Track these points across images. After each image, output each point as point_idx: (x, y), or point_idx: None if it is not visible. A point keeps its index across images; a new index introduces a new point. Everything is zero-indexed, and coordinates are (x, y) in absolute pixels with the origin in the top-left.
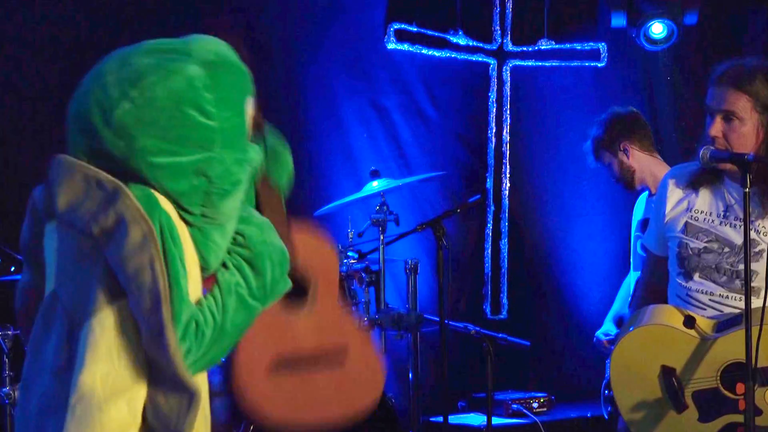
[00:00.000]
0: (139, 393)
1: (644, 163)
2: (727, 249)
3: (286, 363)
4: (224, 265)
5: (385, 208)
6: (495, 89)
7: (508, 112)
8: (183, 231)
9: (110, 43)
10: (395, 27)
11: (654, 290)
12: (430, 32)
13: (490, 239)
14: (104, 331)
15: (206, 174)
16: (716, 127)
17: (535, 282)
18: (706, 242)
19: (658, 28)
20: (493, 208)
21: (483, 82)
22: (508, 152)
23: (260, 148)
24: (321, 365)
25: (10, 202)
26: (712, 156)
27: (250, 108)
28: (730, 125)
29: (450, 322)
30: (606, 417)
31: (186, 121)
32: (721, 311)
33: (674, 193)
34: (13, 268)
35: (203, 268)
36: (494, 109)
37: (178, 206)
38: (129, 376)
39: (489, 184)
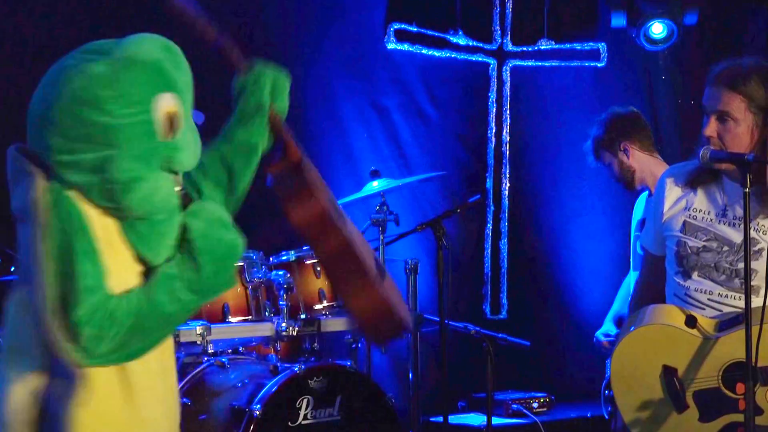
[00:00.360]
0: (41, 381)
1: (644, 163)
2: (726, 248)
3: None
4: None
5: (385, 208)
6: (495, 89)
7: (508, 112)
8: (105, 224)
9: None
10: (395, 27)
11: (651, 290)
12: (430, 32)
13: (489, 239)
14: (15, 315)
15: (103, 170)
16: (711, 127)
17: (534, 282)
18: (705, 241)
19: (658, 28)
20: (492, 208)
21: (483, 82)
22: (508, 152)
23: (181, 144)
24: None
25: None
26: (712, 156)
27: (167, 104)
28: (725, 125)
29: (450, 322)
30: (606, 417)
31: (85, 119)
32: (720, 310)
33: (672, 192)
34: (13, 268)
35: (145, 260)
36: (494, 109)
37: (90, 201)
38: (31, 358)
39: (489, 184)
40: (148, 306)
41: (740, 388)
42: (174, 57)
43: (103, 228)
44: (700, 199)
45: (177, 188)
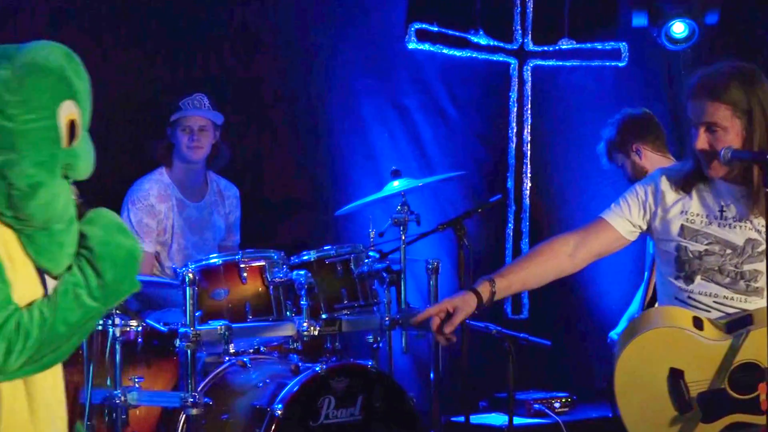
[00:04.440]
0: None
1: (657, 164)
2: (729, 251)
3: None
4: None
5: (406, 207)
6: (516, 89)
7: (529, 111)
8: (4, 238)
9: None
10: (416, 27)
11: (577, 245)
12: (450, 32)
13: (511, 239)
14: None
15: (4, 175)
16: (701, 140)
17: (555, 282)
18: (706, 245)
19: (679, 28)
20: (513, 207)
21: (504, 82)
22: (528, 152)
23: (79, 152)
24: None
25: None
26: (733, 156)
27: (68, 112)
28: (715, 135)
29: (471, 322)
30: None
31: None
32: (726, 312)
33: (668, 195)
34: None
35: (47, 271)
36: (515, 109)
37: None
38: None
39: (510, 183)
40: (53, 316)
41: (762, 389)
42: (75, 65)
43: (2, 242)
44: (695, 203)
45: (73, 197)
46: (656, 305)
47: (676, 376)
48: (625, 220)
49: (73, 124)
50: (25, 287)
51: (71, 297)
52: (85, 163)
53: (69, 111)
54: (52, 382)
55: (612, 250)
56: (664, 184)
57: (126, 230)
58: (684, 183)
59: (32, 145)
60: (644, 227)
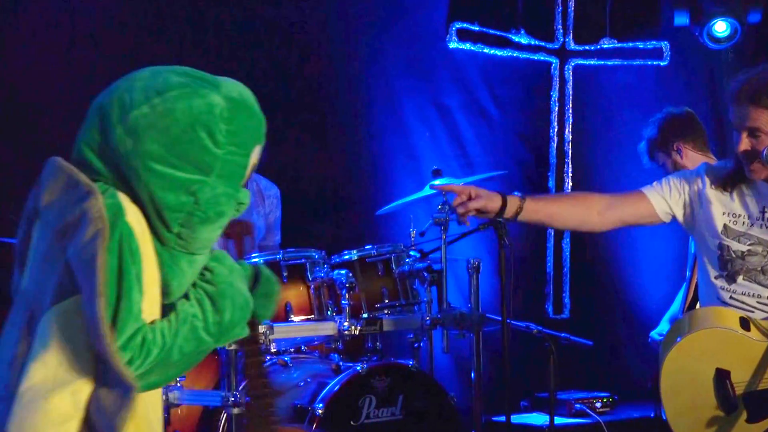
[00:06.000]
0: (84, 387)
1: (698, 163)
2: None
3: None
4: (187, 296)
5: (447, 207)
6: (557, 88)
7: (570, 111)
8: (148, 250)
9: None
10: (457, 26)
11: (612, 207)
12: (491, 31)
13: (552, 238)
14: (57, 325)
15: (195, 195)
16: (744, 144)
17: (597, 281)
18: (749, 245)
19: (721, 27)
20: None
21: (545, 81)
22: (570, 151)
23: (246, 195)
24: None
25: None
26: None
27: (255, 157)
28: (758, 140)
29: (512, 322)
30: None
31: (195, 140)
32: None
33: (711, 192)
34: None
35: (165, 294)
36: (556, 108)
37: (159, 219)
38: (76, 369)
39: (551, 183)
40: (172, 341)
41: None
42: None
43: (149, 255)
44: (737, 204)
45: None
46: (698, 305)
47: (722, 377)
48: (662, 200)
49: (252, 169)
50: (150, 305)
51: (188, 327)
52: (246, 206)
53: (256, 155)
54: (154, 399)
55: (642, 223)
56: (708, 181)
57: (245, 278)
58: (726, 182)
59: (227, 176)
60: (679, 215)
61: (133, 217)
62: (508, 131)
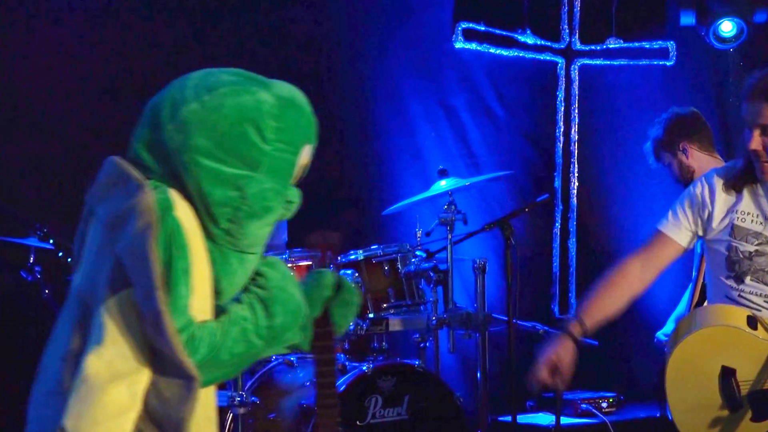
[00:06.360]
0: (141, 378)
1: (704, 163)
2: None
3: None
4: (239, 300)
5: (453, 207)
6: (563, 88)
7: (576, 111)
8: (199, 247)
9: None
10: (463, 26)
11: (645, 267)
12: (497, 31)
13: (558, 238)
14: (111, 318)
15: (242, 190)
16: (755, 141)
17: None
18: (757, 245)
19: (727, 27)
20: (561, 207)
21: (551, 81)
22: (576, 151)
23: (297, 194)
24: None
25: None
26: None
27: (305, 156)
28: None
29: (518, 322)
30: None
31: (243, 136)
32: None
33: (720, 195)
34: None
35: (217, 293)
36: (562, 108)
37: (208, 214)
38: (132, 362)
39: (557, 183)
40: (222, 342)
41: None
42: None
43: (199, 252)
44: (746, 203)
45: None
46: (705, 304)
47: (727, 375)
48: (684, 231)
49: (303, 168)
50: (200, 302)
51: (239, 329)
52: (296, 207)
53: (306, 155)
54: (209, 399)
55: (675, 259)
56: (717, 185)
57: (297, 285)
58: (735, 183)
59: (274, 172)
60: (700, 232)
61: (183, 213)
62: (514, 131)
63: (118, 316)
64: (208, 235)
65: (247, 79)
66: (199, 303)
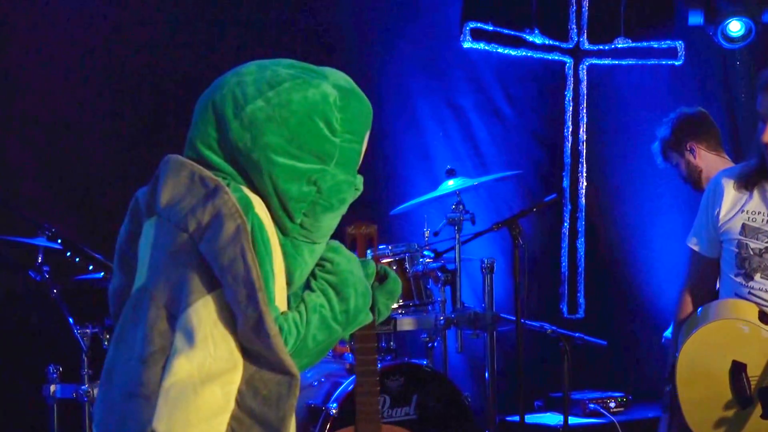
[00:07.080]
0: (233, 378)
1: (711, 163)
2: None
3: None
4: (310, 287)
5: (460, 207)
6: (571, 88)
7: (585, 110)
8: (274, 240)
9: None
10: (471, 26)
11: (698, 293)
12: (506, 31)
13: (566, 238)
14: (200, 320)
15: (318, 184)
16: None
17: (611, 281)
18: (766, 242)
19: (735, 26)
20: (569, 207)
21: (559, 81)
22: (584, 151)
23: (361, 181)
24: None
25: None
26: None
27: (366, 141)
28: None
29: (526, 322)
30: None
31: (314, 130)
32: None
33: (729, 195)
34: (91, 267)
35: (288, 284)
36: (570, 108)
37: (283, 210)
38: (224, 362)
39: (565, 183)
40: (305, 330)
41: None
42: None
43: (275, 246)
44: (756, 201)
45: None
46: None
47: (738, 370)
48: (713, 243)
49: (363, 155)
50: (278, 295)
51: (318, 316)
52: (360, 191)
53: (366, 141)
54: None
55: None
56: (725, 185)
57: (361, 266)
58: (746, 181)
59: (345, 163)
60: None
61: (260, 209)
62: (522, 131)
63: (208, 318)
64: (281, 229)
65: (304, 70)
66: (278, 296)
